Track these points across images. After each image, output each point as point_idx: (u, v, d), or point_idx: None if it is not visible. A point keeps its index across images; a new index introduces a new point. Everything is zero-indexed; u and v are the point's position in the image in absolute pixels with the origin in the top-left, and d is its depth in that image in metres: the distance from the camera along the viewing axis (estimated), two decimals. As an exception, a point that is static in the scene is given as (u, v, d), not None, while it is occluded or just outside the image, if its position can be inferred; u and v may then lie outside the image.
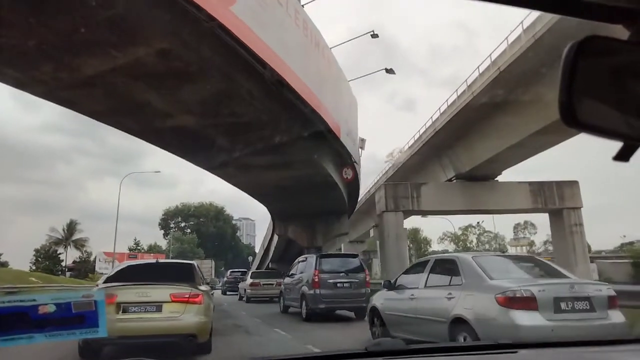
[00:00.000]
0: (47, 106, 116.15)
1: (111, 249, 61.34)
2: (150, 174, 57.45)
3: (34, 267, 69.60)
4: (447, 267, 6.62)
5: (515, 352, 1.82)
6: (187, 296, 6.52)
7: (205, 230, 78.87)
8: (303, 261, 13.72)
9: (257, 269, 44.60)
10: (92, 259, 66.96)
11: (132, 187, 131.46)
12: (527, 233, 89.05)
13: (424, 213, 28.17)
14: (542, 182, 26.81)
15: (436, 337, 5.84)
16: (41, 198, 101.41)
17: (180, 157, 16.10)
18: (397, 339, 2.35)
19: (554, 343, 2.22)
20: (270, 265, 42.68)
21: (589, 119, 0.68)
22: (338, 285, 12.05)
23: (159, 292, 6.47)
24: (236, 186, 19.88)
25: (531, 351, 1.96)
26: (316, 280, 11.87)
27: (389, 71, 19.34)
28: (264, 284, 19.92)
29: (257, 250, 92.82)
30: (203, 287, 7.26)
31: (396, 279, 7.84)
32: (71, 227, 69.02)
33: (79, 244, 69.82)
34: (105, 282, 7.28)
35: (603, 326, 5.19)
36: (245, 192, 21.11)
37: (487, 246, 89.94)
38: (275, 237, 33.37)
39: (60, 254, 71.17)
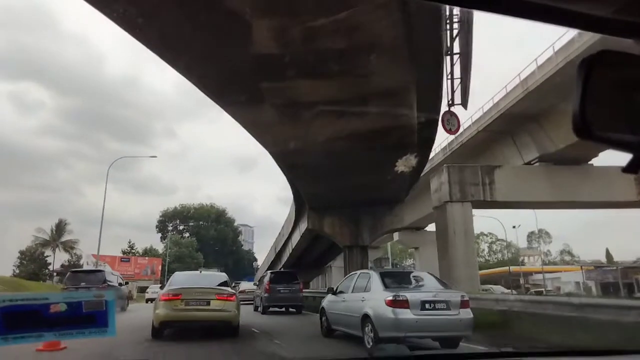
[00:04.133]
0: (44, 109, 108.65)
1: (105, 251, 53.85)
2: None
3: (17, 271, 61.84)
4: (365, 278, 8.67)
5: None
6: (226, 295, 9.06)
7: (206, 233, 70.83)
8: (264, 276, 19.92)
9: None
10: (82, 262, 59.05)
11: (129, 192, 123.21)
12: (542, 242, 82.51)
13: (498, 205, 21.06)
14: (650, 166, 19.84)
15: (354, 327, 8.16)
16: (35, 202, 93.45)
17: (186, 75, 8.95)
18: (401, 346, 2.78)
19: (559, 352, 2.22)
20: (282, 271, 35.47)
21: (602, 131, 0.67)
22: (282, 291, 17.48)
23: (208, 293, 8.96)
24: (267, 147, 12.73)
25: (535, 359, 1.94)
26: (267, 288, 17.56)
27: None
28: (246, 291, 25.55)
29: (257, 257, 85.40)
30: (233, 290, 10.21)
31: (337, 286, 9.95)
32: (60, 228, 61.06)
33: (68, 246, 61.68)
34: (169, 286, 9.49)
35: (453, 319, 7.26)
36: (278, 160, 13.90)
37: (499, 255, 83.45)
38: (296, 235, 26.17)
39: (47, 256, 63.22)
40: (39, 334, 1.41)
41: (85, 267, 50.97)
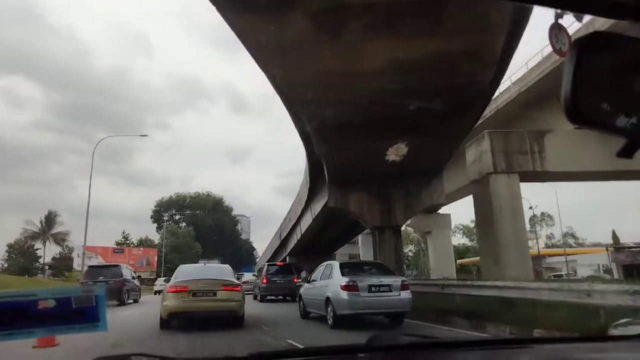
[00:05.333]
0: (34, 103, 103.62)
1: (98, 243, 50.23)
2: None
3: (5, 265, 58.16)
4: (329, 268, 10.31)
5: (532, 347, 1.68)
6: (232, 286, 9.49)
7: (203, 222, 67.18)
8: (262, 268, 23.05)
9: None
10: (74, 254, 55.31)
11: (122, 185, 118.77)
12: (545, 225, 79.83)
13: (549, 177, 17.82)
14: None
15: (321, 308, 9.81)
16: (28, 196, 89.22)
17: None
18: (399, 334, 2.53)
19: (567, 338, 2.21)
20: (288, 260, 32.28)
21: (593, 115, 0.64)
22: (277, 281, 19.49)
23: (214, 284, 9.30)
24: (285, 90, 9.12)
25: (544, 346, 1.80)
26: (264, 279, 19.55)
27: None
28: (249, 282, 25.94)
29: (255, 246, 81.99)
30: (238, 281, 10.68)
31: (311, 275, 11.89)
32: (50, 220, 57.22)
33: (60, 239, 57.96)
34: (175, 279, 9.68)
35: (395, 299, 9.01)
36: (299, 110, 10.37)
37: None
38: (307, 219, 22.87)
39: (37, 249, 59.52)
40: (29, 330, 1.29)
41: (76, 260, 47.57)
